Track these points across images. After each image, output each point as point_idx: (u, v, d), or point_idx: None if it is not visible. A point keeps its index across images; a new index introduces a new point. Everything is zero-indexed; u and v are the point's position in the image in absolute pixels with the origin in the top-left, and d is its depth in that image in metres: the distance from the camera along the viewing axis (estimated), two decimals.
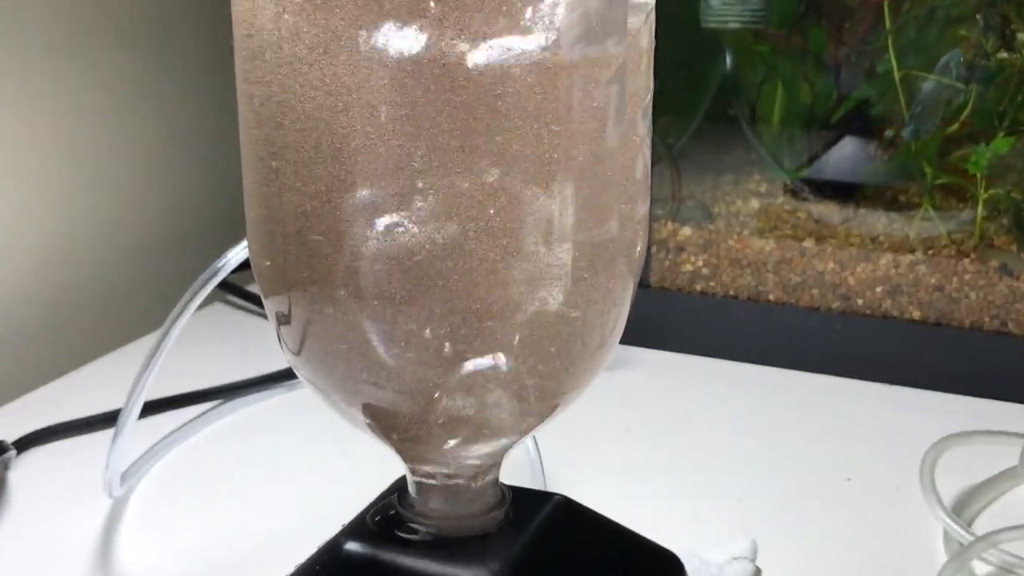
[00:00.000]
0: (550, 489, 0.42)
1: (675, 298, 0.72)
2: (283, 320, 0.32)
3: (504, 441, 0.33)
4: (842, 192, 0.73)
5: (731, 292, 0.72)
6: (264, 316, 0.74)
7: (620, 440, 0.60)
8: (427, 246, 0.28)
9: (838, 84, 0.72)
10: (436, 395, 0.31)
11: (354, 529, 0.35)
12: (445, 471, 0.34)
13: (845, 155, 0.73)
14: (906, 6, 0.68)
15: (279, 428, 0.61)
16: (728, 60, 0.75)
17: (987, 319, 0.66)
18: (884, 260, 0.68)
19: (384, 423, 0.32)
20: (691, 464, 0.57)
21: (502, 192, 0.28)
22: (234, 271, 0.46)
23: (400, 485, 0.36)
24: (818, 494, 0.54)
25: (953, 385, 0.65)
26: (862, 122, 0.72)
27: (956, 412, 0.62)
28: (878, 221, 0.70)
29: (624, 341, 0.34)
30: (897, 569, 0.47)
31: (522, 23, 0.28)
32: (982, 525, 0.50)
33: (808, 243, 0.70)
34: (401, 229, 0.28)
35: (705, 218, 0.74)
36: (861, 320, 0.68)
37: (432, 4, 0.27)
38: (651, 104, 0.32)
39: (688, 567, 0.38)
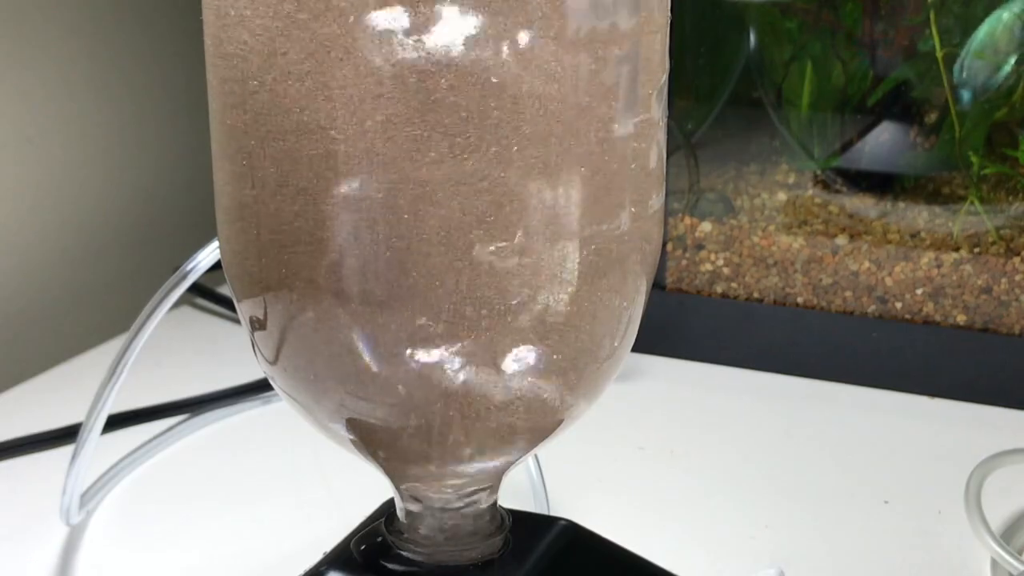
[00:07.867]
0: (554, 513, 0.42)
1: (693, 301, 0.72)
2: (258, 325, 0.32)
3: (503, 460, 0.33)
4: (879, 183, 0.72)
5: (755, 294, 0.72)
6: (237, 321, 0.74)
7: (632, 459, 0.60)
8: (418, 243, 0.28)
9: (874, 64, 0.72)
10: (428, 408, 0.30)
11: (336, 558, 0.35)
12: (437, 493, 0.34)
13: (882, 142, 0.73)
14: None
15: (253, 445, 0.61)
16: (752, 37, 0.75)
17: None
18: (925, 259, 0.68)
19: (370, 440, 0.32)
20: (711, 486, 0.57)
21: (500, 184, 0.28)
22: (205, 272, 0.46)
23: (388, 509, 0.36)
24: (852, 519, 0.53)
25: (1002, 398, 0.65)
26: (901, 106, 0.72)
27: (1005, 428, 0.62)
28: (919, 216, 0.70)
29: (636, 349, 0.34)
30: None
31: None
32: None
33: (841, 240, 0.70)
34: (389, 225, 0.28)
35: (726, 212, 0.74)
36: (900, 326, 0.68)
37: None
38: (666, 86, 0.32)
39: None
